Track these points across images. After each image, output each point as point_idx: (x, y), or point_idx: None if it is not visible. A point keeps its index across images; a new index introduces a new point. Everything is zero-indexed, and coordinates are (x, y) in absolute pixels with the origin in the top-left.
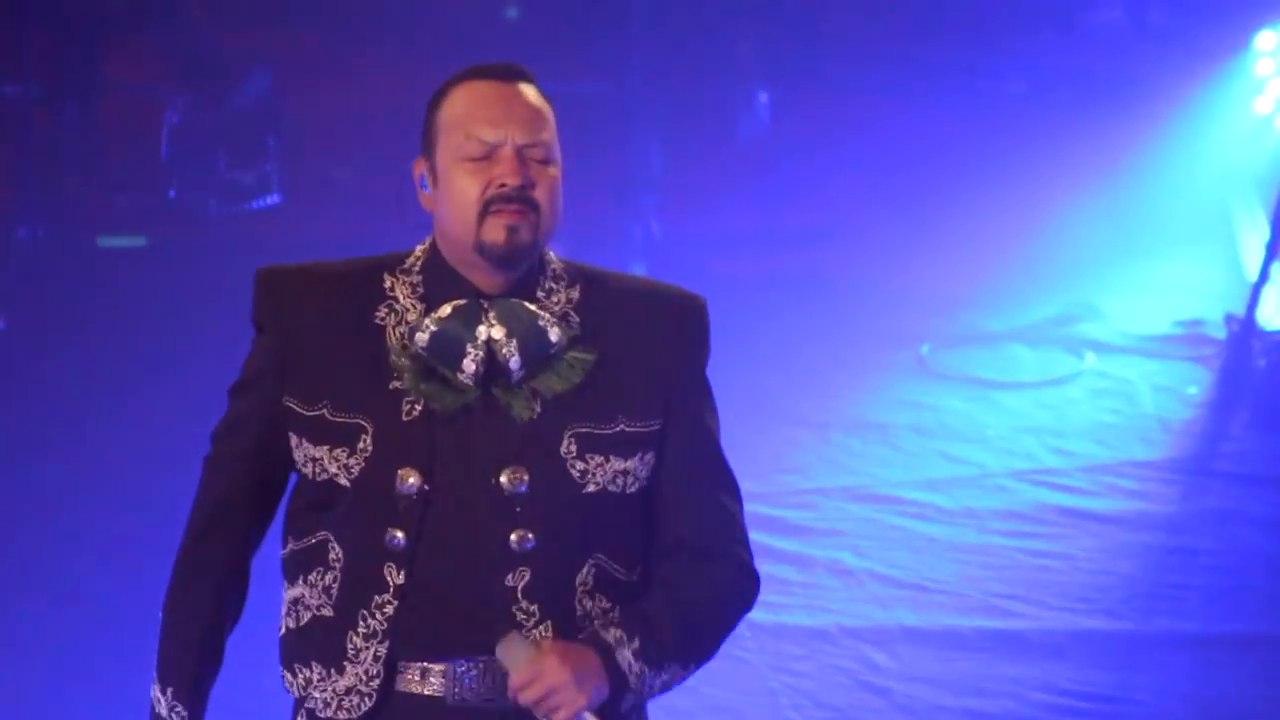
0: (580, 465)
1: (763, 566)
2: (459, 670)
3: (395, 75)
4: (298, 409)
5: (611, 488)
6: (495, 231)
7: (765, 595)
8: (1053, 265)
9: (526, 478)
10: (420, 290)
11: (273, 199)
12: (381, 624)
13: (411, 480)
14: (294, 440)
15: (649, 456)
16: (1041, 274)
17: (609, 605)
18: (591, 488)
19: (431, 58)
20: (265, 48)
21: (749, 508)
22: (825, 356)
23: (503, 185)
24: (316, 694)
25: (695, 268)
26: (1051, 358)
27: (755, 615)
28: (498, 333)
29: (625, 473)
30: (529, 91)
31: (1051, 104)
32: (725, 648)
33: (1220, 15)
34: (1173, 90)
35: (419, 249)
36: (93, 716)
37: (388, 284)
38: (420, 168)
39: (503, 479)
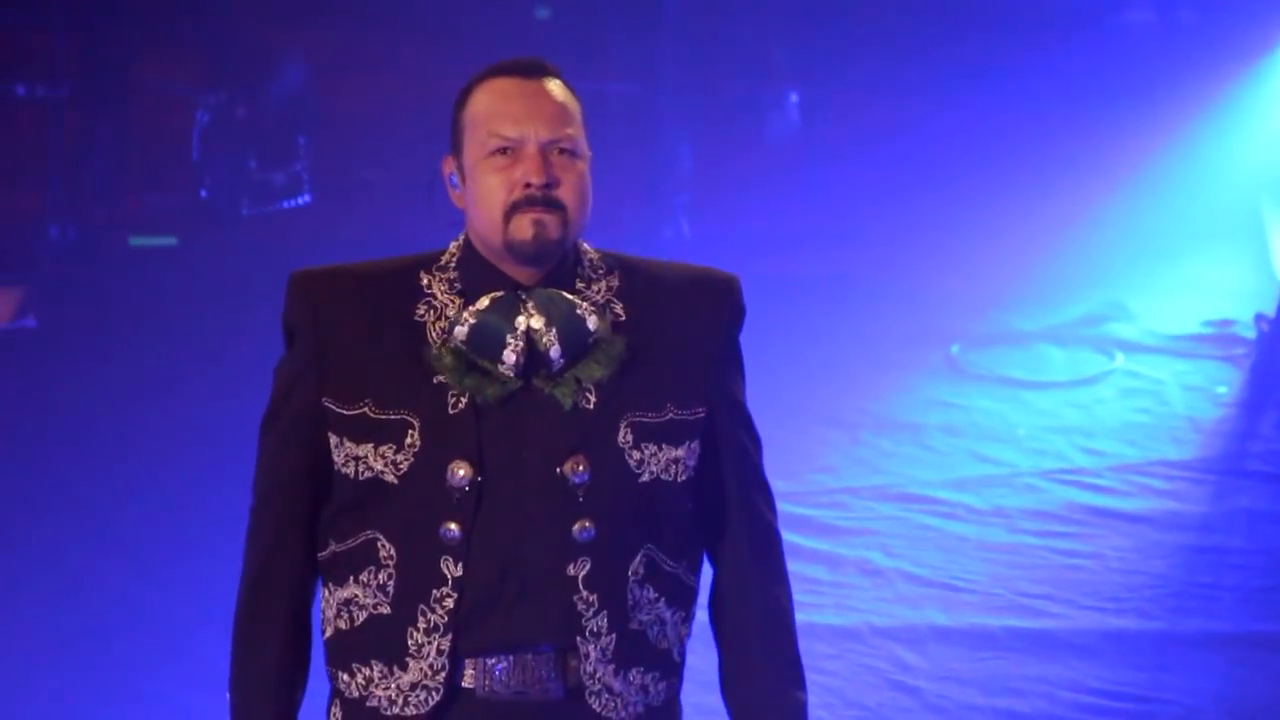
0: (636, 455)
1: (793, 566)
2: (489, 663)
3: (426, 75)
4: (337, 409)
5: (664, 476)
6: (522, 230)
7: (795, 594)
8: (1083, 265)
9: (588, 467)
10: (457, 286)
11: (304, 199)
12: (443, 617)
13: (462, 472)
14: (333, 440)
15: (695, 445)
16: (1071, 274)
17: (656, 595)
18: (646, 477)
19: (462, 58)
20: (296, 48)
21: (779, 506)
22: (856, 356)
23: (527, 185)
24: (379, 692)
25: (725, 267)
26: (1082, 357)
27: None
28: (537, 322)
29: (676, 461)
30: (554, 86)
31: (1082, 104)
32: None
33: (1250, 15)
34: (1202, 90)
35: (453, 246)
36: (125, 716)
37: (424, 281)
38: (449, 166)
39: (565, 468)
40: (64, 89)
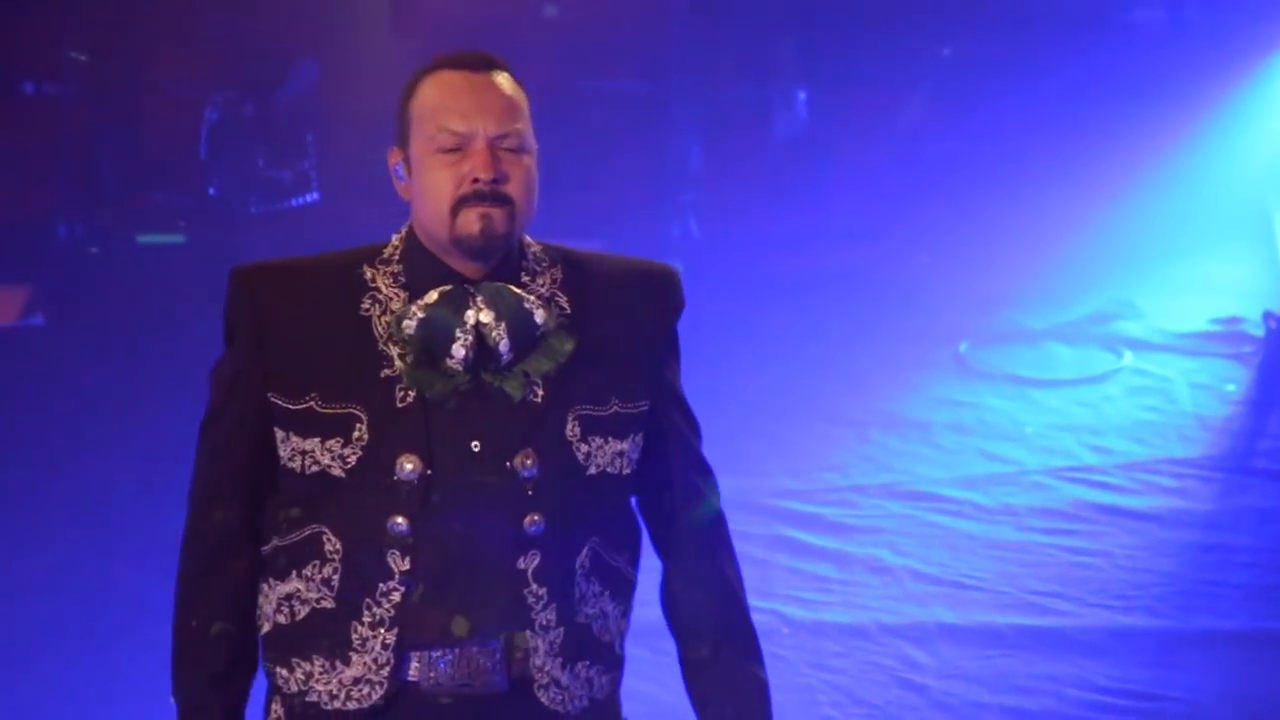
0: (584, 448)
1: (801, 564)
2: (433, 656)
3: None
4: (283, 403)
5: (610, 470)
6: (469, 224)
7: (804, 592)
8: (1091, 263)
9: (536, 460)
10: (402, 279)
11: (312, 196)
12: (389, 611)
13: (410, 466)
14: (279, 435)
15: (639, 437)
16: (1080, 272)
17: (600, 589)
18: (593, 470)
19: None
20: (304, 46)
21: (786, 504)
22: (864, 354)
23: (475, 180)
24: (320, 687)
25: (734, 267)
26: (1090, 355)
27: (793, 611)
28: (486, 317)
29: (621, 454)
30: (501, 80)
31: (1090, 103)
32: (763, 644)
33: (1259, 14)
34: (1211, 89)
35: (395, 239)
36: (130, 714)
37: (368, 275)
38: (395, 157)
39: (515, 462)
40: (72, 87)
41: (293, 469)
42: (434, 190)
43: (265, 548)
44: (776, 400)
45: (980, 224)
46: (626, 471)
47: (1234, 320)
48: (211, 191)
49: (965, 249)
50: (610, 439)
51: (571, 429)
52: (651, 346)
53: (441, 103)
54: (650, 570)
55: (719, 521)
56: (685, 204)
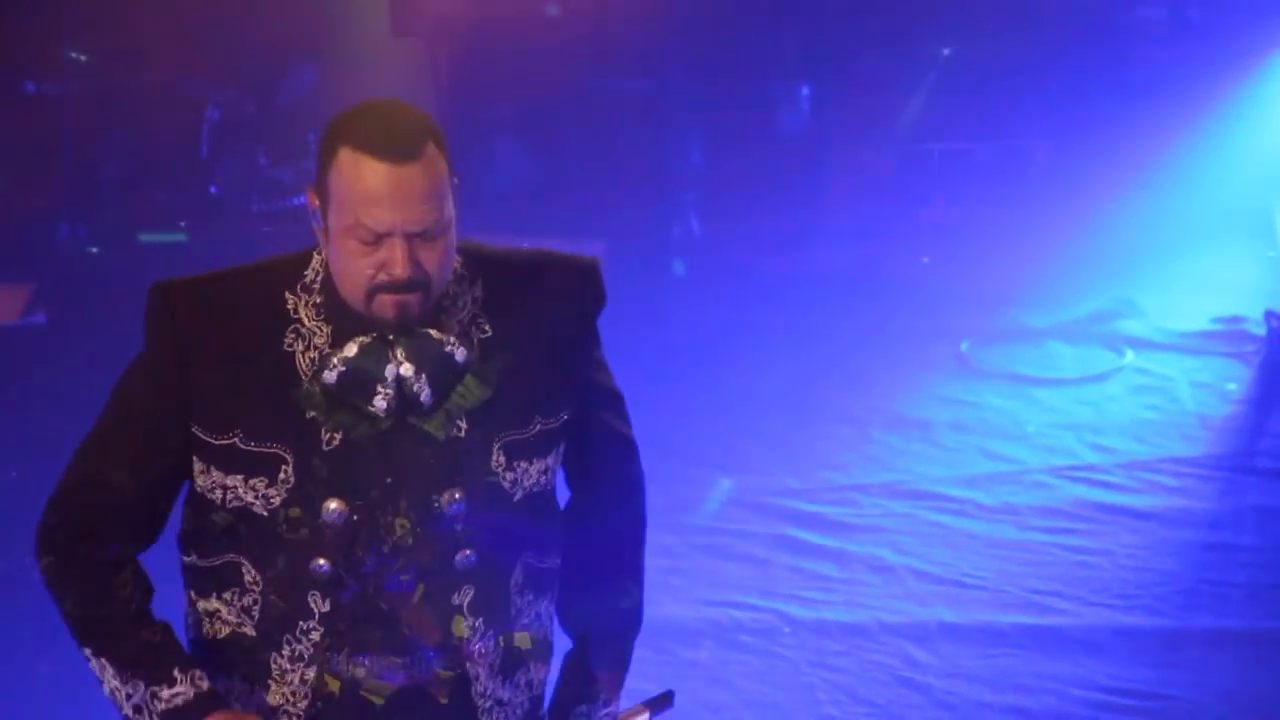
0: (510, 475)
1: (802, 563)
2: (362, 691)
3: (436, 70)
4: (205, 437)
5: (535, 488)
6: (384, 309)
7: (805, 591)
8: (1093, 262)
9: (464, 496)
10: (324, 312)
11: None
12: (308, 649)
13: (335, 507)
14: (199, 466)
15: (561, 446)
16: (1081, 271)
17: (534, 597)
18: (519, 495)
19: (474, 53)
20: (305, 45)
21: (788, 503)
22: (865, 353)
23: (391, 275)
24: (238, 704)
25: (735, 265)
26: (1091, 354)
27: (794, 610)
28: (406, 370)
29: (546, 470)
30: (423, 170)
31: (1092, 102)
32: (765, 643)
33: (1261, 13)
34: (1212, 88)
35: (316, 261)
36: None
37: (290, 304)
38: (312, 201)
39: (442, 501)
40: (74, 86)
41: (212, 500)
42: (349, 273)
43: (186, 559)
44: (777, 399)
45: (982, 223)
46: (550, 484)
47: (1235, 319)
48: (213, 190)
49: (967, 248)
50: (535, 459)
51: (497, 459)
52: (572, 347)
53: (361, 195)
54: (652, 571)
55: (635, 484)
56: (686, 203)
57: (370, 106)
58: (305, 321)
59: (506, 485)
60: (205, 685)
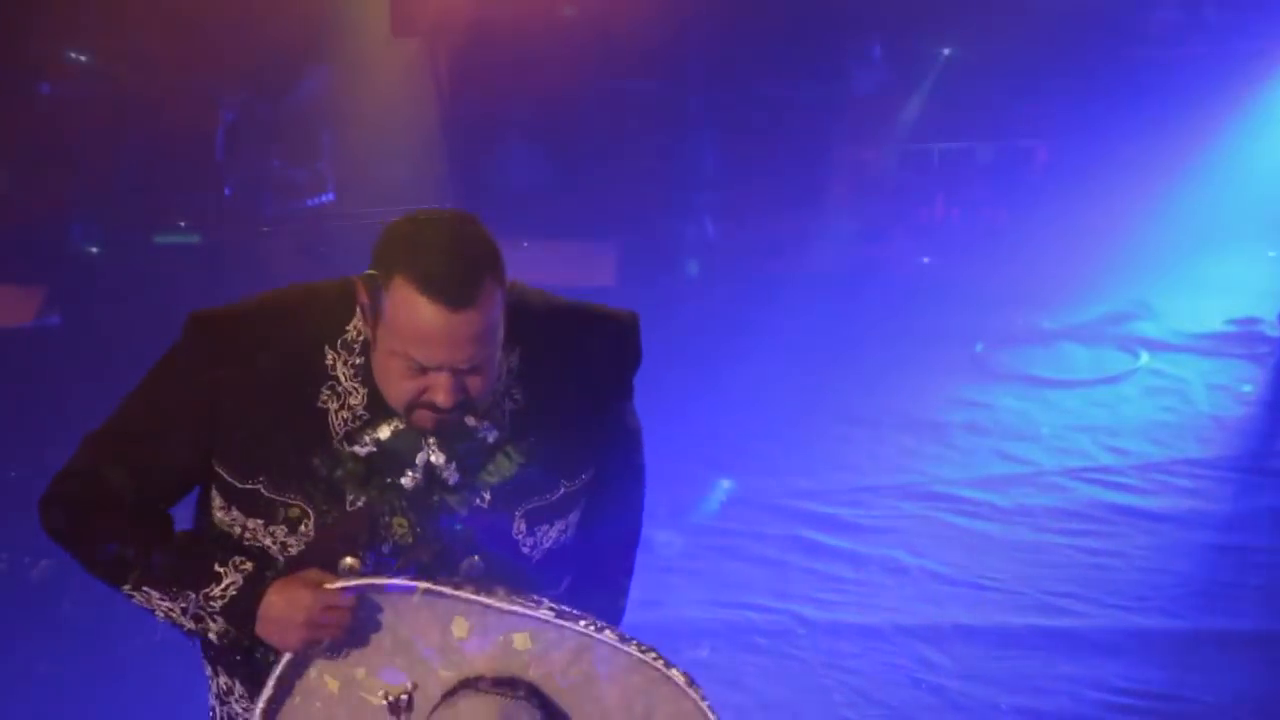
0: (530, 541)
1: (816, 564)
2: None
3: (448, 73)
4: (228, 478)
5: (553, 548)
6: (423, 422)
7: (819, 592)
8: (1107, 264)
9: (483, 562)
10: (362, 374)
11: (327, 197)
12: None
13: (351, 562)
14: (219, 502)
15: (582, 502)
16: (1096, 272)
17: None
18: (537, 556)
19: (487, 56)
20: (319, 47)
21: (802, 505)
22: (879, 355)
23: (435, 405)
24: (238, 706)
25: (747, 267)
26: (1106, 356)
27: (809, 612)
28: (437, 458)
29: (565, 529)
30: (478, 316)
31: (1106, 104)
32: (779, 645)
33: (1278, 14)
34: (1228, 89)
35: (359, 318)
36: (151, 712)
37: (329, 360)
38: (362, 297)
39: (460, 567)
40: (87, 89)
41: (231, 533)
42: (391, 387)
43: None
44: (791, 401)
45: (996, 224)
46: (567, 538)
47: (1250, 321)
48: (227, 192)
49: (980, 249)
50: (555, 520)
51: (518, 527)
52: (604, 407)
53: (414, 334)
54: (656, 570)
55: (636, 513)
56: (699, 204)
57: (435, 230)
58: (341, 380)
59: (526, 550)
60: (250, 565)
